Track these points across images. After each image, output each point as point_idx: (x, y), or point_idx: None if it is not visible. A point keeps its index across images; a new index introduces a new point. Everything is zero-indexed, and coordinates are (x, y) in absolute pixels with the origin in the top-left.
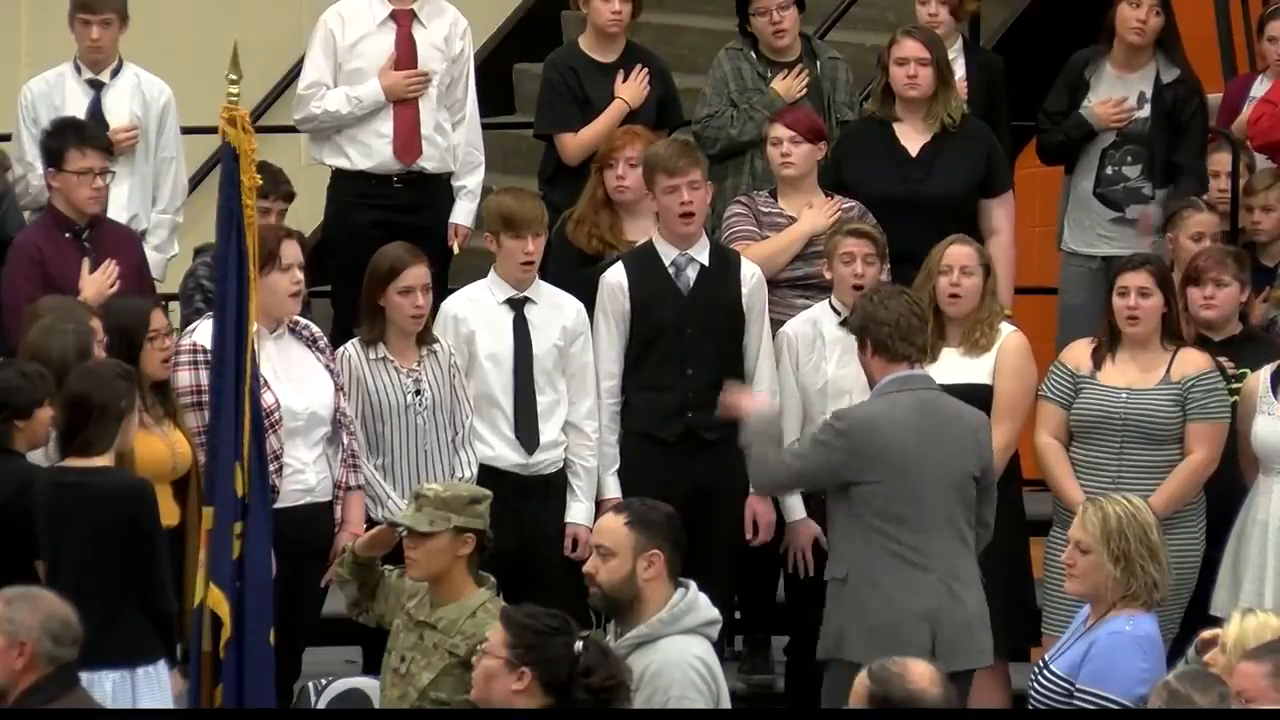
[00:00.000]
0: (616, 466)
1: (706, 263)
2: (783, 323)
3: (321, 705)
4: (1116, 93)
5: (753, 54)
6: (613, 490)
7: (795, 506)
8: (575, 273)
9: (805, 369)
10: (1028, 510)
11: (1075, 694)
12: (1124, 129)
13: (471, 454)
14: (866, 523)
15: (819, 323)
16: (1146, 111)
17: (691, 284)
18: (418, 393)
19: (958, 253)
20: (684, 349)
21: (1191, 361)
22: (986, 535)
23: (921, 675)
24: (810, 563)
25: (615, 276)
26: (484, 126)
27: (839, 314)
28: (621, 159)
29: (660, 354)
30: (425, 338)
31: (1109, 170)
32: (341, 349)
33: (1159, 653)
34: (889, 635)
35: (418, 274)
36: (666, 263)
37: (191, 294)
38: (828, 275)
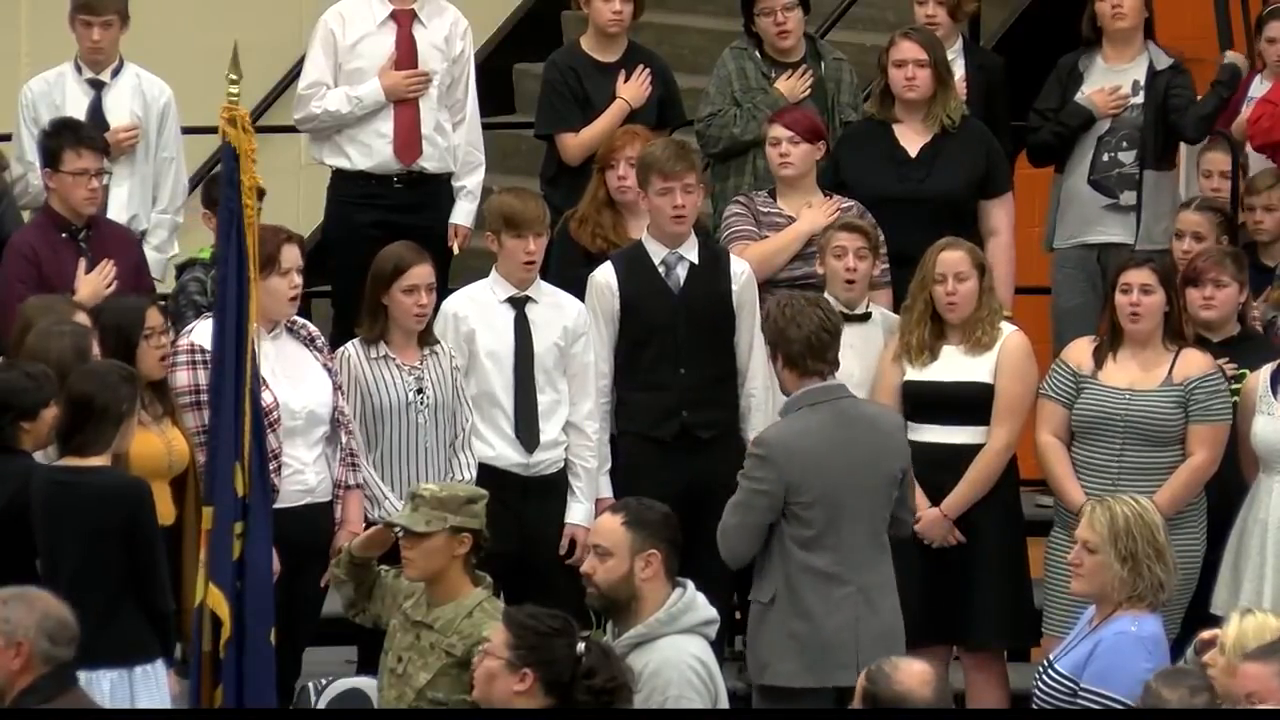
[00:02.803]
0: (609, 466)
1: (696, 261)
2: None
3: (321, 705)
4: (1110, 82)
5: (757, 54)
6: (606, 490)
7: None
8: (580, 272)
9: None
10: (1026, 510)
11: (1080, 693)
12: (1119, 116)
13: (471, 456)
14: (788, 545)
15: None
16: (1141, 99)
17: (682, 283)
18: (420, 391)
19: (950, 258)
20: (676, 348)
21: (1194, 363)
22: (908, 527)
23: (911, 675)
24: None
25: (604, 276)
26: (484, 126)
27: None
28: (623, 159)
29: (653, 354)
30: (427, 338)
31: (1104, 157)
32: (341, 349)
33: (1164, 653)
34: (816, 654)
35: (422, 273)
36: (656, 262)
37: (184, 310)
38: (820, 270)
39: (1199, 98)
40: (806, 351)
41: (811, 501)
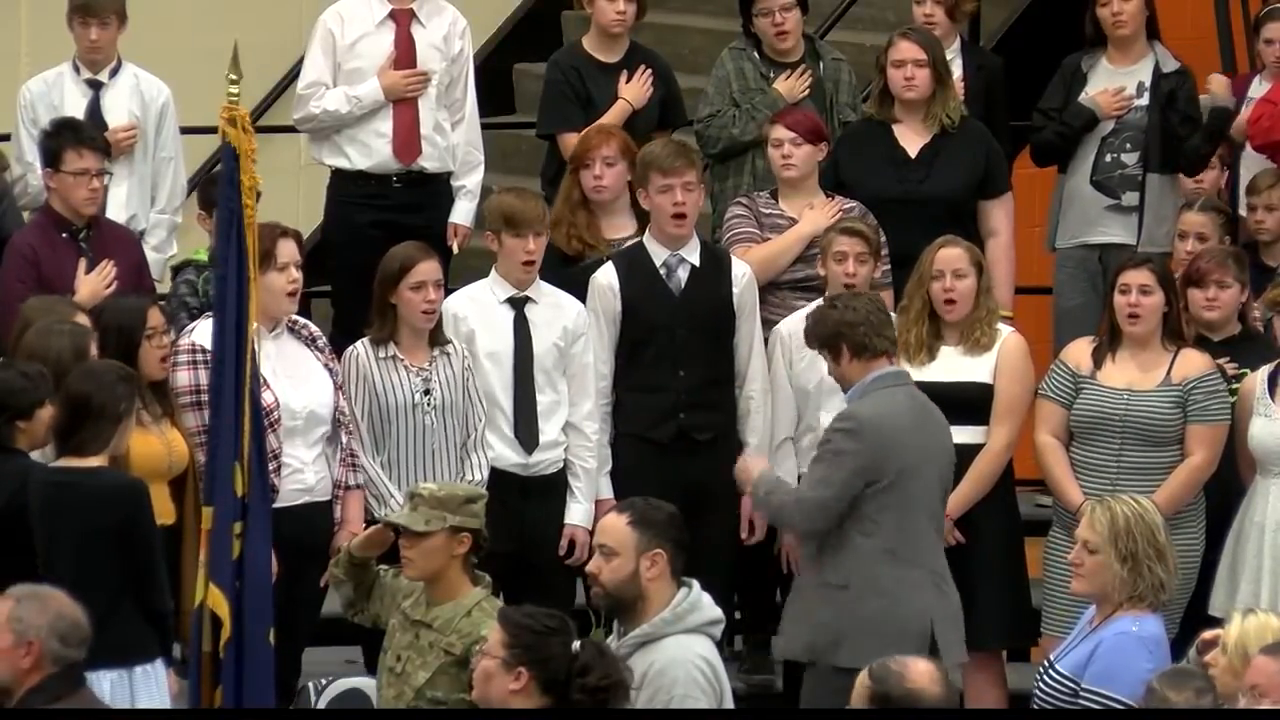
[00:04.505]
0: (609, 467)
1: (697, 263)
2: None
3: (321, 705)
4: (1115, 84)
5: (756, 54)
6: (606, 491)
7: None
8: (555, 273)
9: (798, 368)
10: (1025, 510)
11: (1080, 694)
12: (1123, 118)
13: (483, 457)
14: (864, 525)
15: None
16: (1146, 101)
17: (683, 285)
18: (426, 392)
19: (949, 256)
20: (675, 350)
21: (1193, 363)
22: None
23: (921, 674)
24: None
25: (606, 277)
26: (484, 126)
27: None
28: (598, 159)
29: (652, 355)
30: (437, 338)
31: (1107, 158)
32: (350, 348)
33: (1165, 653)
34: (893, 635)
35: (429, 269)
36: (657, 263)
37: (176, 311)
38: (822, 273)
39: (1200, 118)
40: (870, 330)
41: (891, 481)
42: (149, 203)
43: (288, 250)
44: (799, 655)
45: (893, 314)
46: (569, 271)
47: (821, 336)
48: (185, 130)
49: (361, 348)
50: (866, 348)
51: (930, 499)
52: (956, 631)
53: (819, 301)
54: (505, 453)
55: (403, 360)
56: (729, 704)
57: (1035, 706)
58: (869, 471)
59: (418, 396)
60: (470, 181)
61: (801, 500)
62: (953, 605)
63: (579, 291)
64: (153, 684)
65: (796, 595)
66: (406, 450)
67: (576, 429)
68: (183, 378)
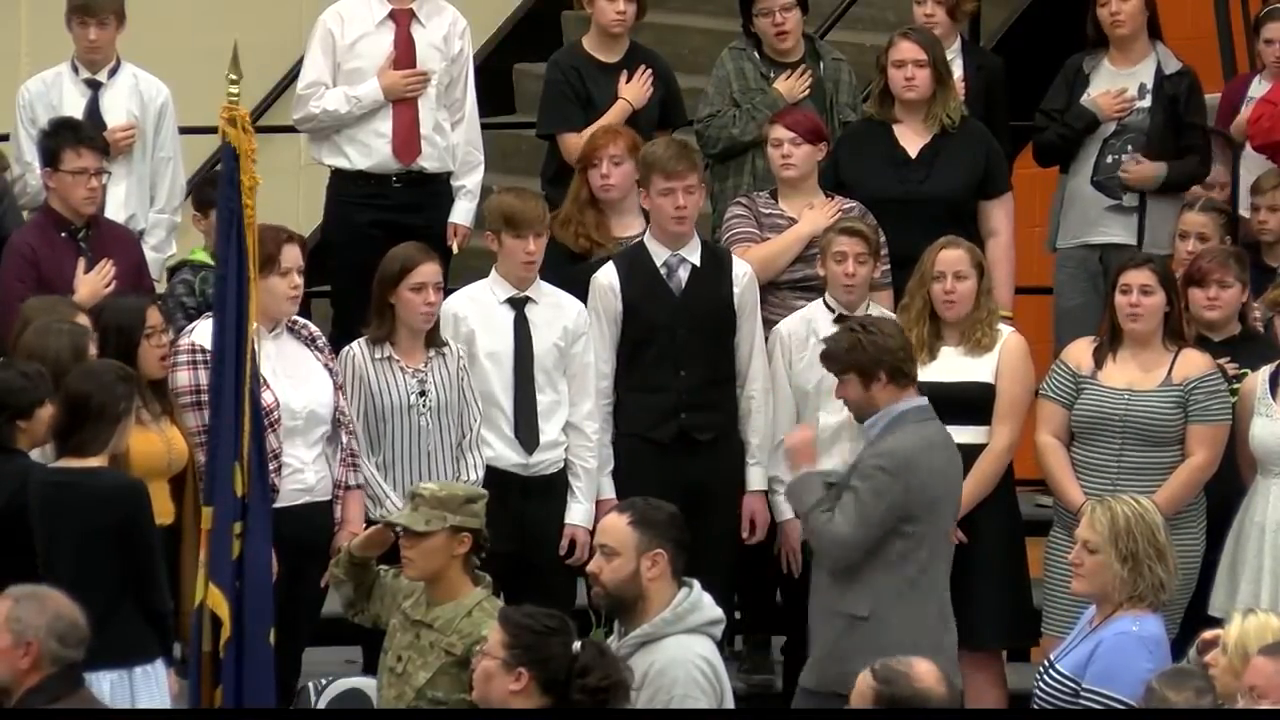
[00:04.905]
0: (610, 467)
1: (698, 263)
2: None
3: (321, 705)
4: (1116, 85)
5: (756, 54)
6: (607, 491)
7: (755, 478)
8: (562, 271)
9: (798, 368)
10: (1025, 510)
11: (1081, 693)
12: (1124, 119)
13: (478, 457)
14: (891, 559)
15: (813, 321)
16: (1147, 102)
17: (684, 285)
18: (422, 393)
19: (949, 257)
20: (676, 350)
21: (1193, 363)
22: None
23: (927, 674)
24: (799, 562)
25: (607, 277)
26: (484, 126)
27: (833, 312)
28: (605, 158)
29: (652, 355)
30: (434, 339)
31: (1109, 159)
32: (346, 348)
33: (1165, 653)
34: None
35: (430, 270)
36: (658, 263)
37: (172, 312)
38: (821, 273)
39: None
40: (906, 355)
41: (918, 515)
42: (148, 203)
43: (292, 255)
44: (833, 686)
45: (892, 314)
46: (571, 270)
47: (859, 362)
48: (185, 130)
49: (358, 348)
50: (904, 374)
51: (947, 529)
52: (951, 664)
53: (817, 303)
54: (505, 453)
55: (398, 361)
56: (729, 704)
57: (1035, 706)
58: (905, 509)
59: (413, 398)
60: (470, 181)
61: (836, 537)
62: (951, 638)
63: (581, 290)
64: (153, 684)
65: (824, 623)
66: (402, 451)
67: (577, 429)
68: (183, 378)
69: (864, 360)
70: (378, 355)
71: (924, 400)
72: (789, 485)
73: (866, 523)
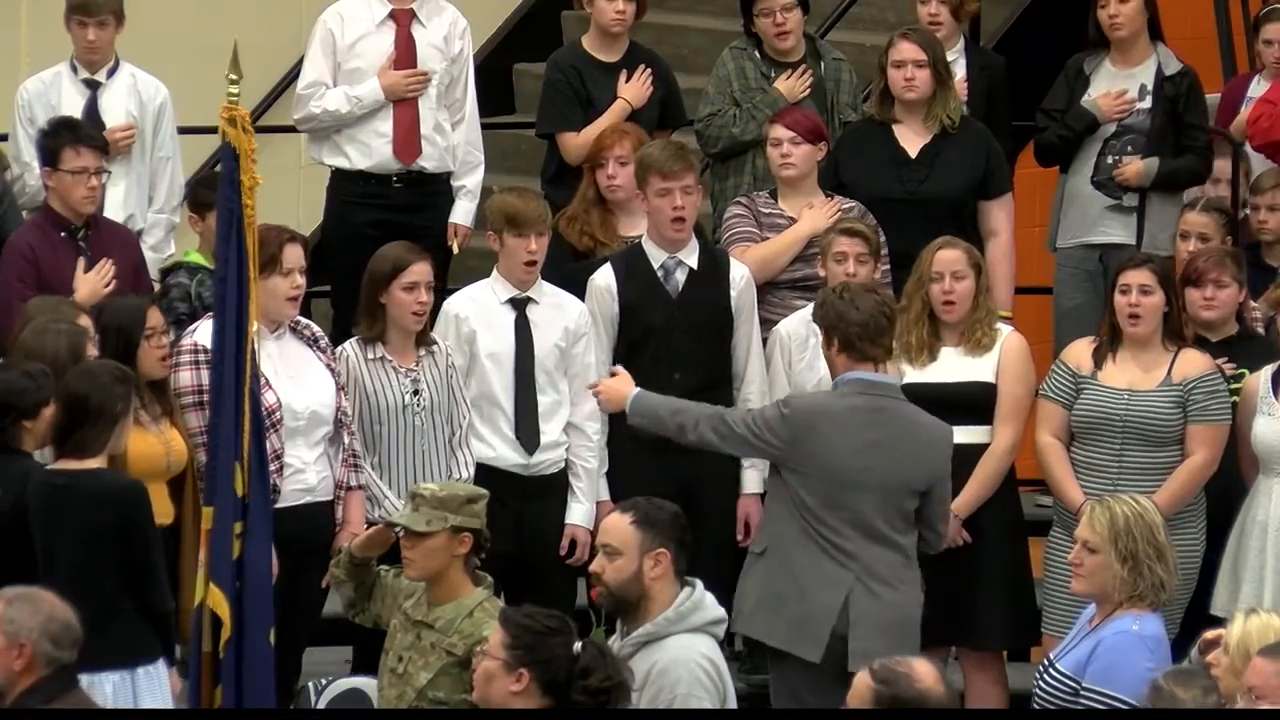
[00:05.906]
0: (605, 468)
1: (695, 266)
2: None
3: (321, 705)
4: (1117, 86)
5: (756, 54)
6: (603, 492)
7: (751, 480)
8: (563, 268)
9: (798, 368)
10: (1026, 510)
11: (1081, 693)
12: (1125, 120)
13: (468, 454)
14: (794, 505)
15: (812, 322)
16: (1148, 104)
17: (680, 287)
18: (415, 393)
19: (947, 257)
20: (672, 352)
21: (1193, 363)
22: (938, 542)
23: (927, 674)
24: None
25: (604, 279)
26: (484, 126)
27: None
28: (612, 158)
29: (648, 357)
30: (424, 338)
31: (1109, 159)
32: (340, 348)
33: (1165, 653)
34: (793, 619)
35: (421, 270)
36: (655, 266)
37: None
38: (821, 273)
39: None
40: (863, 334)
41: (813, 476)
42: (147, 203)
43: (294, 255)
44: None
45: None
46: (573, 268)
47: (821, 320)
48: (185, 130)
49: (351, 349)
50: (854, 348)
51: (870, 512)
52: (897, 642)
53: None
54: (506, 453)
55: (391, 361)
56: (732, 703)
57: (1035, 706)
58: (781, 455)
59: (408, 398)
60: (470, 181)
61: (709, 435)
62: (884, 615)
63: (580, 289)
64: (156, 685)
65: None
66: (397, 451)
67: (578, 429)
68: (185, 378)
69: (825, 321)
70: (371, 356)
71: (875, 376)
72: (634, 417)
73: (735, 439)
